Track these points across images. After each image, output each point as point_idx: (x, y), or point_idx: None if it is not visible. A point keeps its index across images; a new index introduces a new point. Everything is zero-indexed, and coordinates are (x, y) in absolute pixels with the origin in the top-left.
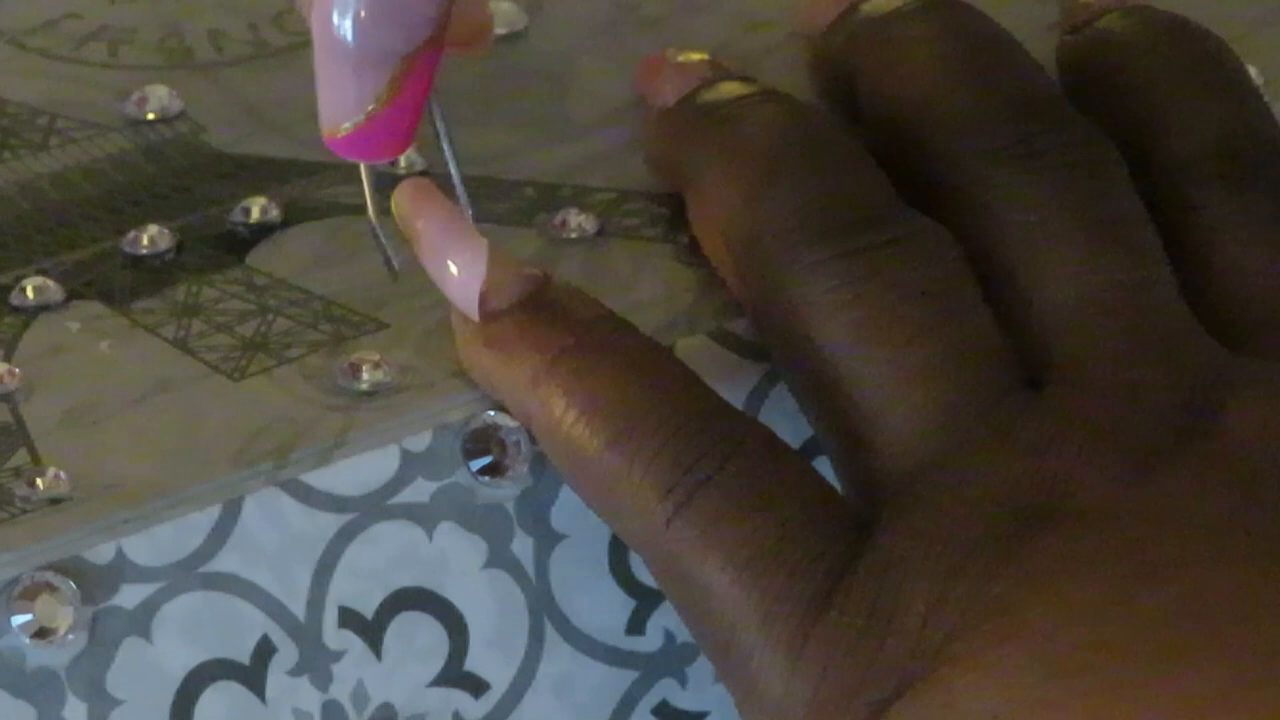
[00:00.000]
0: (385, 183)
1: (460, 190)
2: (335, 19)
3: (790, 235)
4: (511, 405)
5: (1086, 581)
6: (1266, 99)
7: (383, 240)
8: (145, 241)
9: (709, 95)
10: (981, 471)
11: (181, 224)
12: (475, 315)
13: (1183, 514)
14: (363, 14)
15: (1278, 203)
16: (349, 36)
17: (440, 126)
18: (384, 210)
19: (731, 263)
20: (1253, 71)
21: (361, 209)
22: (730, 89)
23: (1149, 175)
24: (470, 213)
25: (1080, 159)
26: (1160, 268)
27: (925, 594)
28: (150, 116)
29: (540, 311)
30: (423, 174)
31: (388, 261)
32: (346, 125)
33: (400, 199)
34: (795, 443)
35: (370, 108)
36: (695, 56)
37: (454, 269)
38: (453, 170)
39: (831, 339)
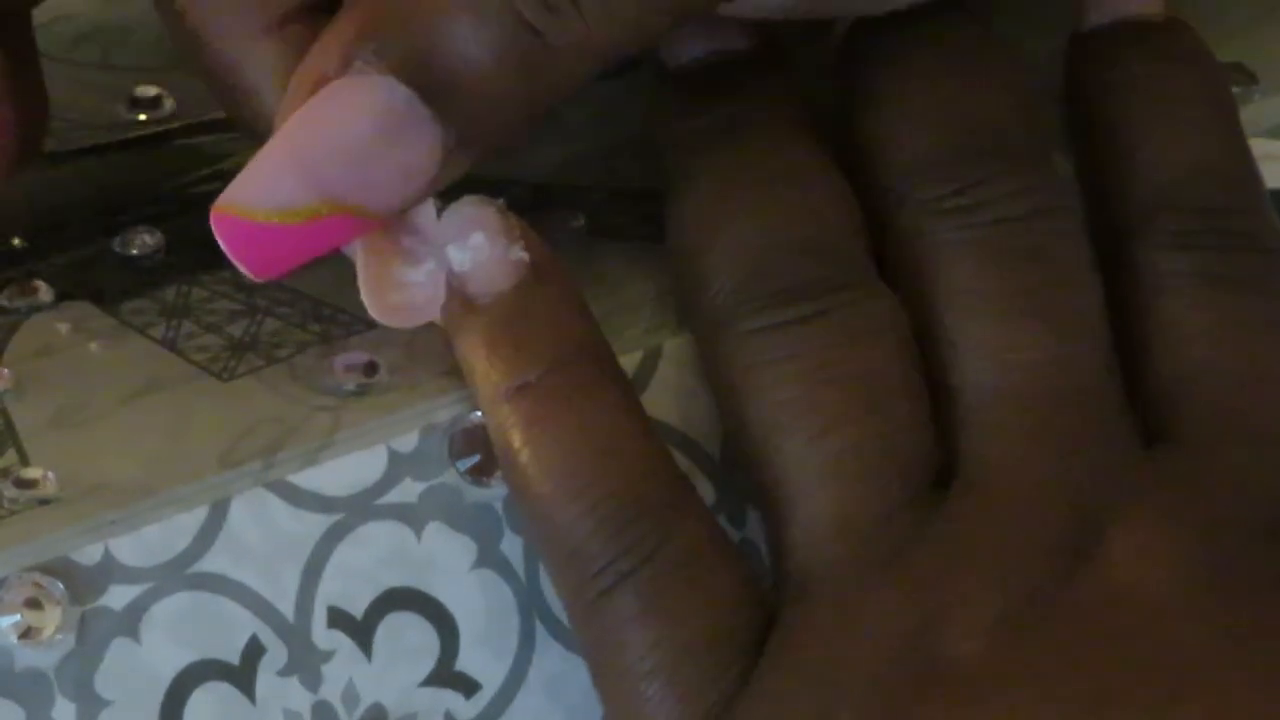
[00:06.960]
0: None
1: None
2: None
3: (731, 295)
4: (478, 403)
5: None
6: (1259, 97)
7: None
8: (136, 242)
9: (699, 105)
10: (868, 599)
11: (171, 225)
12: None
13: (1048, 681)
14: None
15: (1225, 263)
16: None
17: None
18: None
19: (680, 295)
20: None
21: None
22: (721, 110)
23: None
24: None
25: (1019, 212)
26: (1087, 338)
27: None
28: (142, 117)
29: (517, 326)
30: None
31: None
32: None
33: None
34: None
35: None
36: None
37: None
38: None
39: (755, 415)
